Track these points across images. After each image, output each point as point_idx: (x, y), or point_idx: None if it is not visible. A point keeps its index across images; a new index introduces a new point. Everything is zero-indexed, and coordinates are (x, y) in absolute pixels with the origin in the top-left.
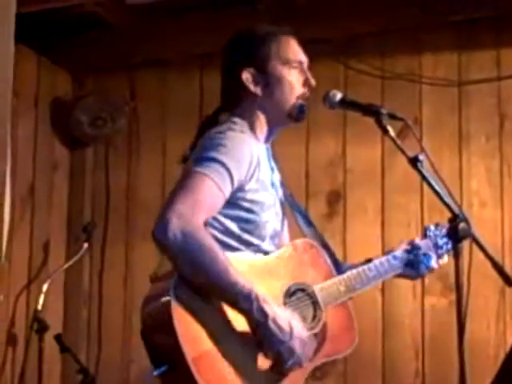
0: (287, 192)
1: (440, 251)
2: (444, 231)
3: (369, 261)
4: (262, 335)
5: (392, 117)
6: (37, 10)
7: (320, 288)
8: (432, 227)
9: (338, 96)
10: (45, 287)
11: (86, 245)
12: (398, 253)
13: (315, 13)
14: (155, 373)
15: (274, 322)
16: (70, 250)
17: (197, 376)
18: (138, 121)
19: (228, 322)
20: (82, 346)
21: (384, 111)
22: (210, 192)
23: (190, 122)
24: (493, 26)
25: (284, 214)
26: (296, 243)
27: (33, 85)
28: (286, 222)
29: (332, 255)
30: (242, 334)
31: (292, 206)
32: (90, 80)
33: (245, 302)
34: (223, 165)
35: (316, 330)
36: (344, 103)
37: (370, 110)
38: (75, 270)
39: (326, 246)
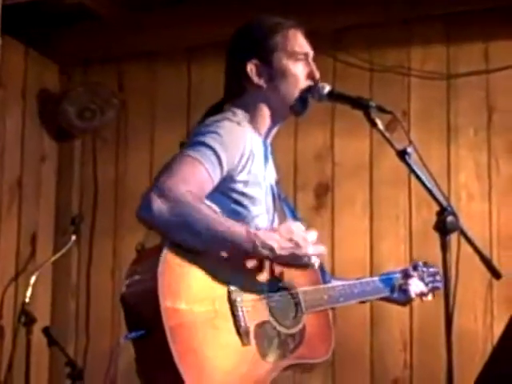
0: (280, 190)
1: (425, 289)
2: (432, 270)
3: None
4: (280, 265)
5: (380, 110)
6: (24, 2)
7: (304, 291)
8: (421, 264)
9: (327, 89)
10: (32, 280)
11: (73, 237)
12: (386, 277)
13: (303, 5)
14: (131, 335)
15: (280, 247)
16: (57, 242)
17: (171, 345)
18: (127, 113)
19: (213, 300)
20: (70, 338)
21: (373, 104)
22: (197, 173)
23: (178, 114)
24: (481, 19)
25: (275, 211)
26: None
27: (20, 76)
28: (276, 221)
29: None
30: (225, 315)
31: (283, 204)
32: (78, 72)
33: (248, 244)
34: (213, 151)
35: (295, 330)
36: (332, 96)
37: (359, 103)
38: (63, 263)
39: None
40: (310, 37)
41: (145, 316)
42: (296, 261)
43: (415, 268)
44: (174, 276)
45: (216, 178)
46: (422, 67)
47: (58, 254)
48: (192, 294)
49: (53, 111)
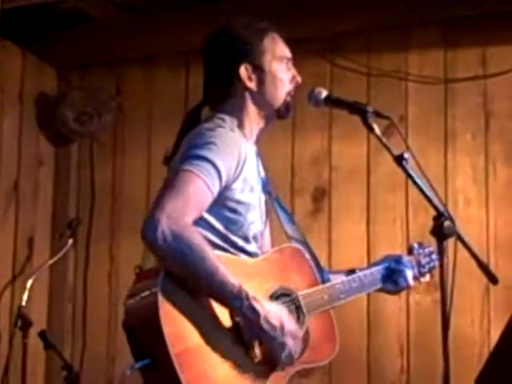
0: (273, 192)
1: (422, 270)
2: (427, 250)
3: (351, 270)
4: (254, 333)
5: (378, 115)
6: (22, 6)
7: (304, 294)
8: (416, 245)
9: (324, 94)
10: (29, 283)
11: (70, 241)
12: (382, 267)
13: (301, 10)
14: (137, 365)
15: (266, 319)
16: (54, 246)
17: (179, 372)
18: (124, 117)
19: (215, 319)
20: (66, 342)
21: (370, 109)
22: (199, 191)
23: (175, 118)
24: (479, 24)
25: (267, 215)
26: (283, 248)
27: (18, 80)
28: (268, 224)
29: (315, 260)
30: (230, 332)
31: (277, 206)
32: (75, 76)
33: (235, 300)
34: (213, 164)
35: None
36: (329, 101)
37: (356, 108)
38: (60, 267)
39: (309, 250)
40: (308, 42)
41: (149, 344)
42: (270, 341)
43: (411, 251)
44: (173, 301)
45: (216, 191)
46: (420, 72)
47: (55, 258)
48: (194, 317)
49: (50, 115)
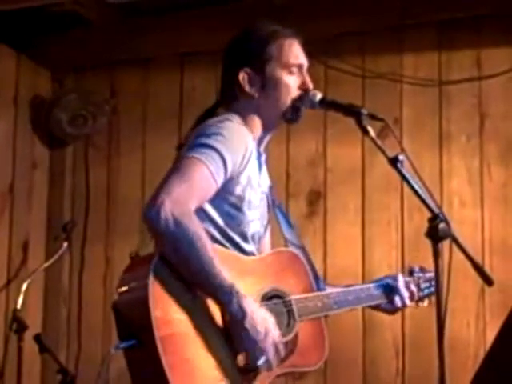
0: (276, 200)
1: (421, 294)
2: (428, 276)
3: (349, 286)
4: (237, 331)
5: (372, 117)
6: (16, 9)
7: (298, 299)
8: (417, 269)
9: (318, 96)
10: (24, 287)
11: (65, 244)
12: (380, 284)
13: (295, 12)
14: (122, 345)
15: (251, 319)
16: (49, 249)
17: (162, 355)
18: (119, 119)
19: (205, 311)
20: (61, 345)
21: (364, 112)
22: (204, 179)
23: (170, 120)
24: (473, 26)
25: (269, 220)
26: (281, 251)
27: (12, 83)
28: (269, 228)
29: (312, 268)
30: (217, 325)
31: (278, 212)
32: (70, 78)
33: (224, 295)
34: (219, 153)
35: (287, 339)
36: (324, 103)
37: (350, 111)
38: (55, 270)
39: (307, 258)
40: (302, 44)
41: (136, 325)
42: (250, 343)
43: (411, 273)
44: (165, 286)
45: (220, 181)
46: (415, 74)
47: (50, 261)
48: (183, 304)
49: (45, 118)
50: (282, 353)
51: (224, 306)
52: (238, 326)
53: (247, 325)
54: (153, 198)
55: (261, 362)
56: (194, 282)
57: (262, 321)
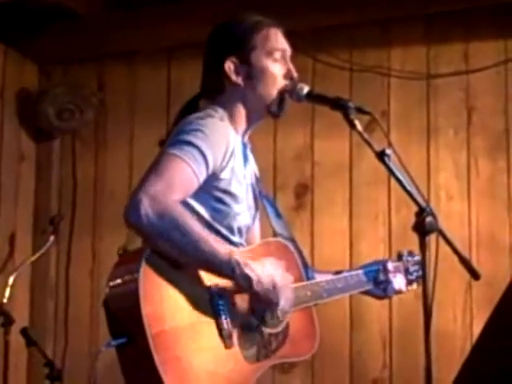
0: (263, 190)
1: (410, 277)
2: (416, 259)
3: (339, 272)
4: (252, 298)
5: (359, 110)
6: (3, 2)
7: None
8: (405, 253)
9: (305, 89)
10: (11, 280)
11: (52, 237)
12: (369, 270)
13: (282, 5)
14: (113, 343)
15: (259, 284)
16: (36, 242)
17: (154, 353)
18: (106, 112)
19: (197, 306)
20: (48, 339)
21: (351, 105)
22: (183, 174)
23: (157, 113)
24: (462, 19)
25: (257, 209)
26: (270, 241)
27: None
28: (258, 218)
29: (301, 257)
30: (210, 321)
31: (267, 203)
32: (57, 71)
33: (227, 269)
34: (199, 150)
35: (278, 330)
36: (311, 97)
37: (338, 104)
38: (42, 263)
39: (296, 248)
40: (290, 37)
41: (127, 323)
42: (265, 301)
43: (400, 258)
44: (155, 282)
45: (202, 177)
46: (402, 67)
47: (37, 255)
48: (174, 300)
49: (32, 111)
50: (293, 297)
51: (230, 279)
52: (250, 293)
53: (257, 289)
54: (131, 198)
55: (279, 312)
56: (193, 266)
57: (269, 279)
